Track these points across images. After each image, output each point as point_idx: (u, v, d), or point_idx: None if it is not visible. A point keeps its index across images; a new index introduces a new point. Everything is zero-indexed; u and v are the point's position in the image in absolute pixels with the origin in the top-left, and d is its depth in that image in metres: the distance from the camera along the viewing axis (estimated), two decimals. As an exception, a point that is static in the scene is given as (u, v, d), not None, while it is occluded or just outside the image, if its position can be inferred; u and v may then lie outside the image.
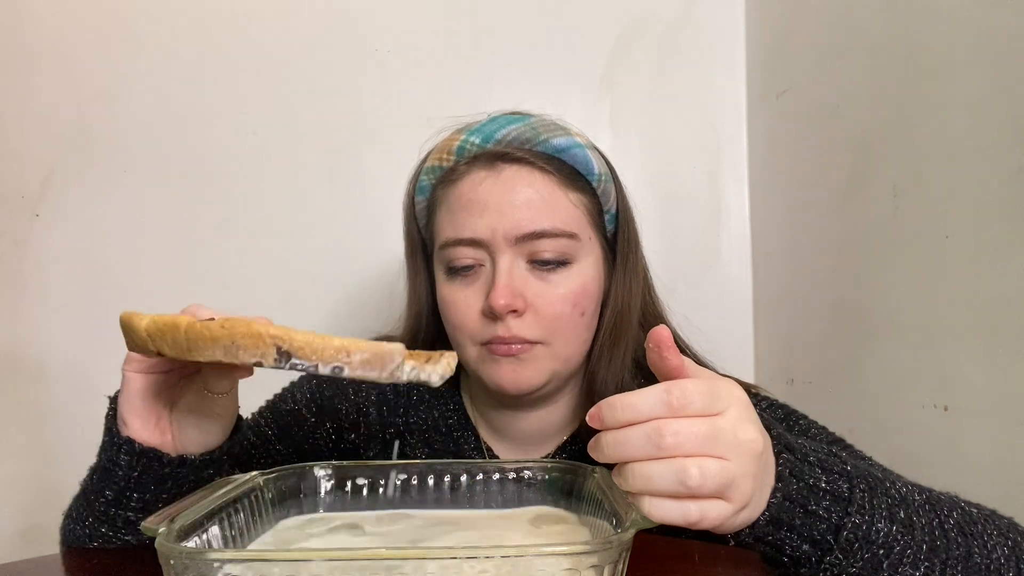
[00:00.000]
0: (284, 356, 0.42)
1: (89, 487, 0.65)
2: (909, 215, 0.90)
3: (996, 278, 0.76)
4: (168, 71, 1.30)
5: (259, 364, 0.44)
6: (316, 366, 0.43)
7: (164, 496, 0.63)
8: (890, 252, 0.94)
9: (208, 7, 1.30)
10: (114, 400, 0.64)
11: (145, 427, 0.62)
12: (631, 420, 0.45)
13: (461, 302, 0.74)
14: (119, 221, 1.30)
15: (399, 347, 0.46)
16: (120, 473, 0.62)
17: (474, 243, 0.72)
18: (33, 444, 1.29)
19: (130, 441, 0.61)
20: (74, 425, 1.29)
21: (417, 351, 0.51)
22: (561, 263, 0.73)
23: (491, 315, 0.71)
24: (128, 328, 0.50)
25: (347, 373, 0.44)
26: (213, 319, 0.45)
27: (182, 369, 0.62)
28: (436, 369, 0.49)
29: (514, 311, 0.71)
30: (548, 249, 0.72)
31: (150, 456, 0.61)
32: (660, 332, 0.48)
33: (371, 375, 0.45)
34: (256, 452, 0.83)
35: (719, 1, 1.31)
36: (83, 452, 0.69)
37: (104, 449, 0.64)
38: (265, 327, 0.43)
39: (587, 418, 0.48)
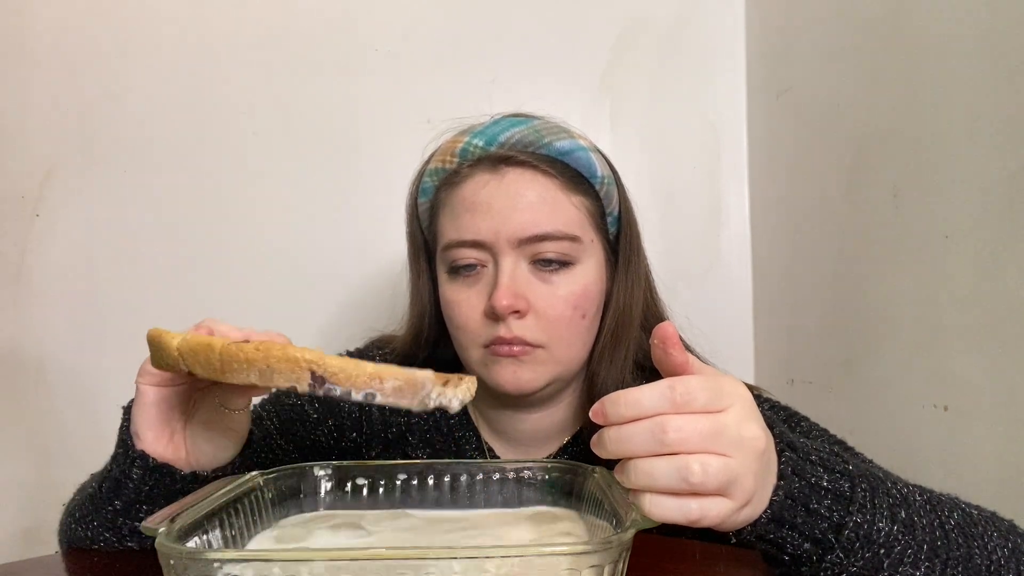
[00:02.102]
0: (318, 381, 0.42)
1: (97, 494, 0.64)
2: (909, 215, 0.90)
3: (996, 278, 0.76)
4: (168, 71, 1.30)
5: (292, 388, 0.43)
6: (349, 392, 0.42)
7: None
8: (890, 252, 0.94)
9: (208, 7, 1.30)
10: (128, 411, 0.63)
11: (159, 441, 0.61)
12: (634, 416, 0.45)
13: (464, 303, 0.74)
14: (119, 221, 1.30)
15: (429, 375, 0.45)
16: (131, 486, 0.62)
17: (477, 245, 0.72)
18: (33, 444, 1.29)
19: (144, 456, 0.61)
20: (74, 425, 1.30)
21: (439, 374, 0.51)
22: (563, 264, 0.73)
23: (493, 316, 0.71)
24: (157, 345, 0.49)
25: (379, 400, 0.43)
26: (247, 341, 0.44)
27: (196, 383, 0.61)
28: (456, 394, 0.48)
29: (516, 312, 0.71)
30: (550, 251, 0.72)
31: (163, 471, 0.61)
32: (665, 328, 0.48)
33: (403, 402, 0.44)
34: (256, 445, 0.83)
35: (719, 1, 1.31)
36: (83, 452, 0.69)
37: (116, 461, 0.63)
38: (301, 352, 0.42)
39: (590, 414, 0.48)
